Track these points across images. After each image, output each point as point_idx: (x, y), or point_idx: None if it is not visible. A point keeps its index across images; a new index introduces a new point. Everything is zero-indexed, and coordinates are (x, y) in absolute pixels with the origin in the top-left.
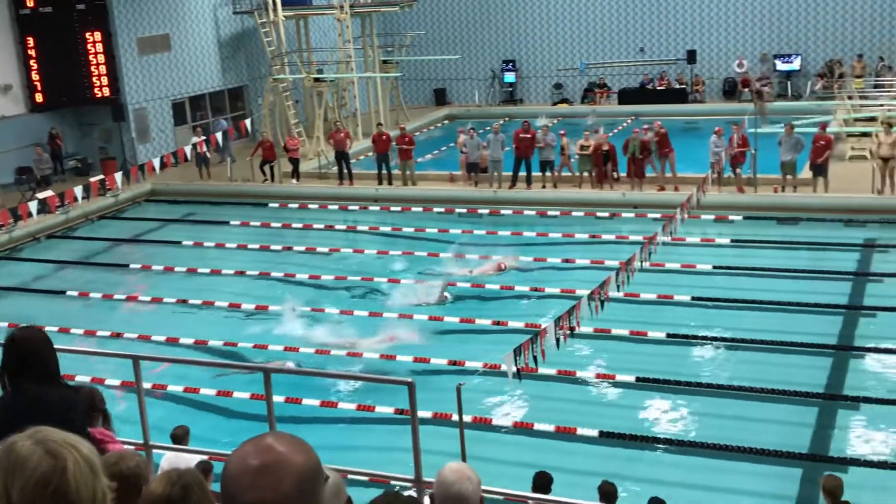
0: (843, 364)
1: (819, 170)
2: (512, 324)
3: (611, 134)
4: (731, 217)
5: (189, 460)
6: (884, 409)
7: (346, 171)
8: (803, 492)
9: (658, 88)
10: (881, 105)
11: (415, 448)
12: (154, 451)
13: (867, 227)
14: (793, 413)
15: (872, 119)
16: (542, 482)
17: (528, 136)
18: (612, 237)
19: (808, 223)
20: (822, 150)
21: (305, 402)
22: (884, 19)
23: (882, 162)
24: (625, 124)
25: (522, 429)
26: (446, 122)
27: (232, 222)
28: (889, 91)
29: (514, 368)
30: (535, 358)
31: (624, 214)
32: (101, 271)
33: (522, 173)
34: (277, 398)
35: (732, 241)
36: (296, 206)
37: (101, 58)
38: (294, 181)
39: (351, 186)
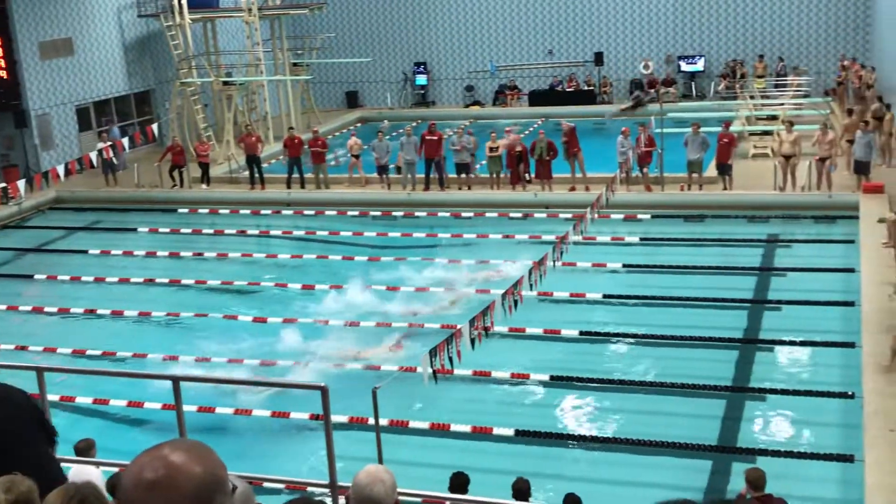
0: (750, 357)
1: (724, 168)
2: (428, 325)
3: (523, 135)
4: (639, 216)
5: (95, 474)
6: (789, 399)
7: (257, 175)
8: (713, 483)
9: (567, 90)
10: (782, 104)
11: (329, 453)
12: (63, 464)
13: (770, 222)
14: (702, 406)
15: (774, 118)
16: (459, 482)
17: (435, 138)
18: (525, 237)
19: (714, 220)
20: (727, 148)
21: (219, 410)
22: (783, 21)
23: (784, 159)
24: (535, 125)
25: (439, 430)
26: (359, 124)
27: (140, 229)
28: (789, 91)
29: (430, 370)
30: (450, 359)
31: (536, 215)
32: (4, 283)
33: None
34: (189, 407)
35: (641, 239)
36: (206, 211)
37: (2, 62)
38: (204, 186)
39: (263, 191)
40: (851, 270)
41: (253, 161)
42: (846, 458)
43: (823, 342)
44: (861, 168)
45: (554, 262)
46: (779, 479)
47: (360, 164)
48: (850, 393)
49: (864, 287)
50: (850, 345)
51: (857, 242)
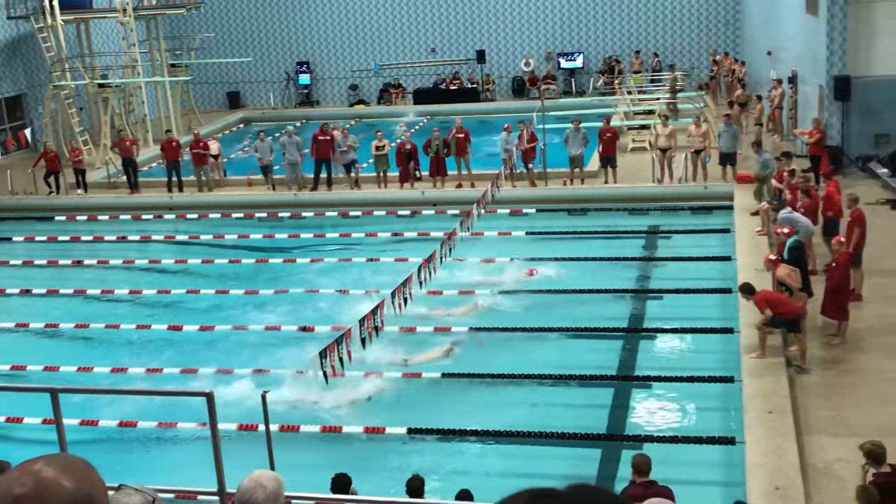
0: (634, 345)
1: (608, 161)
2: (318, 328)
3: (411, 132)
4: (525, 210)
5: None
6: (672, 385)
7: (133, 179)
8: (603, 471)
9: (451, 88)
10: (657, 99)
11: (217, 459)
12: None
13: (650, 214)
14: (590, 396)
15: (650, 112)
16: (341, 483)
17: (327, 138)
18: (413, 234)
19: (597, 213)
20: (611, 142)
21: (102, 423)
22: (657, 18)
23: (660, 153)
24: (421, 123)
25: (331, 432)
26: (241, 125)
27: (15, 238)
28: (665, 86)
29: (321, 372)
30: (341, 360)
31: (424, 212)
32: None
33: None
34: (70, 421)
35: (527, 233)
36: (84, 218)
37: None
38: (80, 192)
39: (142, 195)
40: (728, 258)
41: (129, 165)
42: (728, 441)
43: (703, 329)
44: (727, 159)
45: (442, 258)
46: (666, 465)
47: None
48: (730, 377)
49: (740, 274)
50: (729, 330)
51: (733, 231)
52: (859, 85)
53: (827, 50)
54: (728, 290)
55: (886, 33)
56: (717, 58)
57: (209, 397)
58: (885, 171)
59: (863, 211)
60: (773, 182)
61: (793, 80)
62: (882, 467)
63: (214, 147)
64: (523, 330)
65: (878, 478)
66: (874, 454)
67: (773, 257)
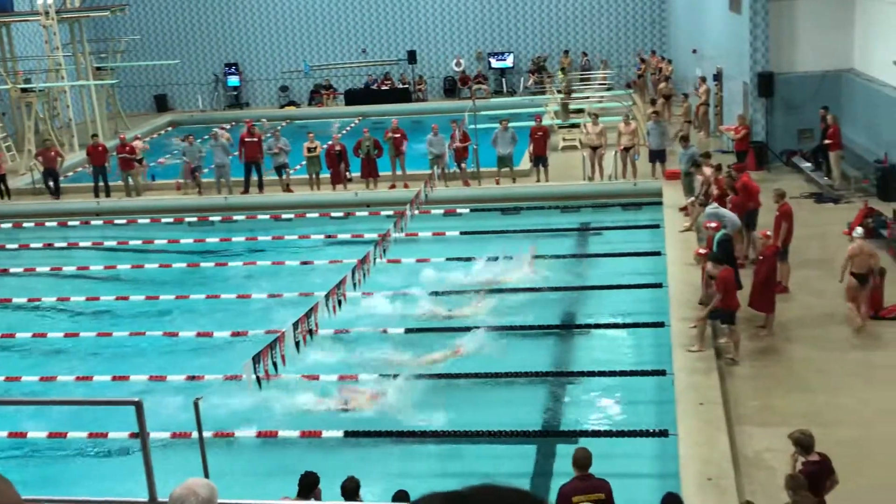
0: (568, 342)
1: (540, 160)
2: (252, 332)
3: (341, 134)
4: (459, 210)
5: None
6: (606, 380)
7: (53, 187)
8: (539, 467)
9: (382, 88)
10: (587, 97)
11: (147, 469)
12: None
13: (581, 212)
14: (525, 393)
15: (580, 111)
16: (308, 482)
17: (254, 139)
18: (347, 236)
19: (529, 211)
20: (542, 140)
21: (31, 435)
22: (585, 17)
23: (591, 150)
24: (353, 124)
25: (267, 437)
26: (170, 128)
27: None
28: (594, 84)
29: (255, 376)
30: (275, 364)
31: (358, 213)
32: None
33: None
34: None
35: (462, 233)
36: (9, 224)
37: None
38: (2, 199)
39: (69, 201)
40: (658, 254)
41: (50, 175)
42: (661, 434)
43: (636, 323)
44: (656, 156)
45: (376, 259)
46: (601, 458)
47: (143, 169)
48: (662, 370)
49: (670, 268)
50: (660, 324)
51: (662, 227)
52: (782, 81)
53: (750, 47)
54: (658, 285)
55: (808, 30)
56: (645, 56)
57: (138, 406)
58: (809, 165)
59: (790, 205)
60: (699, 178)
61: (718, 77)
62: (811, 455)
63: (139, 145)
64: (457, 330)
65: (807, 466)
66: (802, 443)
67: (702, 251)
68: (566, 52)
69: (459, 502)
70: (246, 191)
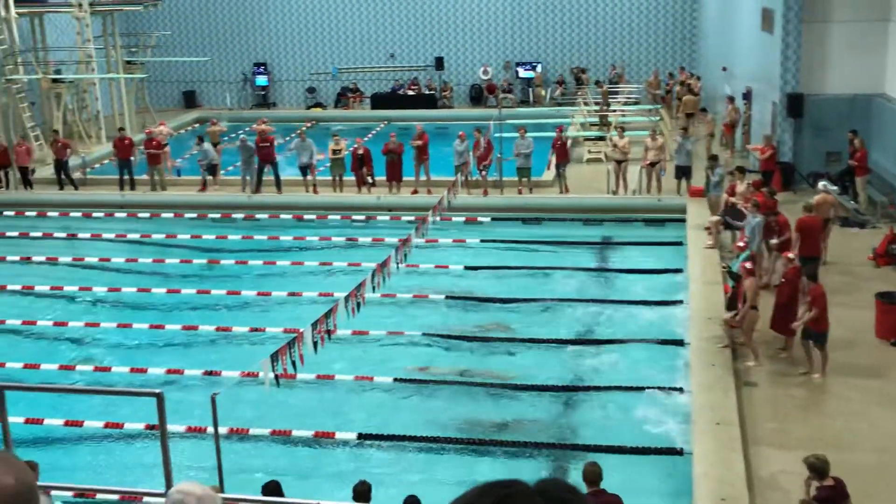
0: (585, 355)
1: (561, 167)
2: (270, 330)
3: (366, 138)
4: (480, 218)
5: None
6: (622, 395)
7: (64, 177)
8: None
9: (409, 94)
10: (614, 111)
11: (165, 461)
12: None
13: (604, 225)
14: (538, 405)
15: (607, 124)
16: (362, 490)
17: (267, 144)
18: (368, 240)
19: (551, 223)
20: (564, 149)
21: (48, 422)
22: (615, 30)
23: (616, 164)
24: (378, 128)
25: (280, 436)
26: (197, 125)
27: None
28: (621, 97)
29: (272, 375)
30: (293, 363)
31: (379, 217)
32: None
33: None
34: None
35: (482, 241)
36: (34, 214)
37: None
38: (23, 188)
39: (94, 192)
40: (679, 271)
41: (60, 166)
42: (675, 452)
43: (654, 340)
44: (683, 173)
45: (397, 263)
46: (614, 474)
47: (167, 154)
48: (679, 388)
49: (691, 286)
50: (679, 342)
51: (685, 244)
52: (812, 103)
53: (781, 67)
54: (679, 302)
55: (840, 52)
56: (673, 73)
57: (159, 398)
58: (835, 188)
59: (812, 219)
60: (725, 196)
61: (747, 96)
62: (825, 481)
63: (164, 130)
64: (475, 339)
65: (822, 491)
66: (817, 467)
67: (748, 265)
68: (613, 65)
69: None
70: (257, 190)
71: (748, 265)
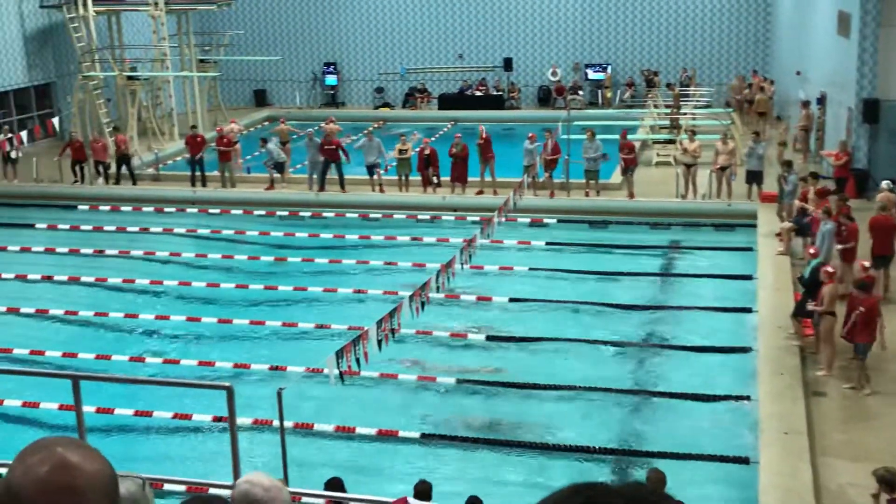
0: (651, 361)
1: (629, 171)
2: (335, 326)
3: (433, 139)
4: (545, 220)
5: None
6: (688, 403)
7: (125, 172)
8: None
9: (476, 94)
10: (685, 114)
11: (234, 454)
12: None
13: (672, 229)
14: (603, 409)
15: (677, 127)
16: (422, 489)
17: (332, 146)
18: (433, 240)
19: (618, 226)
20: (632, 153)
21: (118, 411)
22: (686, 33)
23: (685, 168)
24: (445, 129)
25: (344, 433)
26: (266, 123)
27: (38, 225)
28: (692, 101)
29: (337, 371)
30: (357, 360)
31: (444, 217)
32: None
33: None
34: (87, 408)
35: (547, 243)
36: (107, 208)
37: None
38: (100, 182)
39: (167, 188)
40: (749, 277)
41: (122, 161)
42: (741, 460)
43: (721, 347)
44: (753, 177)
45: (462, 264)
46: (679, 482)
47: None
48: (746, 396)
49: (760, 293)
50: (747, 349)
51: (755, 250)
52: (888, 108)
53: (857, 72)
54: (748, 310)
55: None
56: (746, 76)
57: (229, 391)
58: None
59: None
60: (797, 202)
61: (821, 101)
62: (895, 494)
63: (235, 128)
64: (541, 340)
65: None
66: (887, 480)
67: (830, 269)
68: (685, 68)
69: (611, 496)
70: (321, 188)
71: (829, 269)
